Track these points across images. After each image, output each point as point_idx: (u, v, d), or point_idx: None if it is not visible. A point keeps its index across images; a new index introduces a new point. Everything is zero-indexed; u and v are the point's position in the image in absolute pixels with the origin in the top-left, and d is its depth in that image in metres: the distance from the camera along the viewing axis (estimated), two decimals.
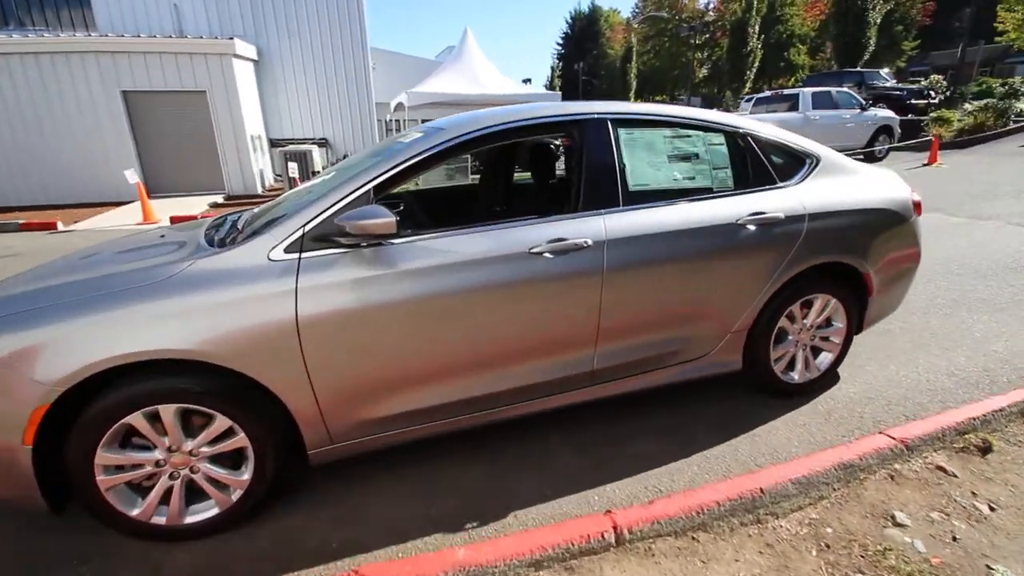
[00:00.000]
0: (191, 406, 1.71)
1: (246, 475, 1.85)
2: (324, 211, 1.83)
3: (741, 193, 2.38)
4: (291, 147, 11.55)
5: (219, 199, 11.37)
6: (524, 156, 3.54)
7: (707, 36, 41.81)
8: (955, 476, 2.08)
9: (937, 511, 1.91)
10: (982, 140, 13.75)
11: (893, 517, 1.88)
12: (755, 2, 34.17)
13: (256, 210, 2.49)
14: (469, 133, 2.05)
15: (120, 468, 1.75)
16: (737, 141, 2.43)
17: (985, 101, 15.47)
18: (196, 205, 10.46)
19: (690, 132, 2.36)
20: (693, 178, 2.33)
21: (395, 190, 2.20)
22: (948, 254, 4.99)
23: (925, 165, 10.91)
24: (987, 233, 5.69)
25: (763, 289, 2.38)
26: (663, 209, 2.22)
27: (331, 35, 13.82)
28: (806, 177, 2.53)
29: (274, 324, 1.71)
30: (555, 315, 2.07)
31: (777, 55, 38.06)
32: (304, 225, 1.81)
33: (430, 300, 1.88)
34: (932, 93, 17.26)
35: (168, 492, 1.81)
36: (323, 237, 1.81)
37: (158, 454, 1.76)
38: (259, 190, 12.19)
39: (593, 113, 2.21)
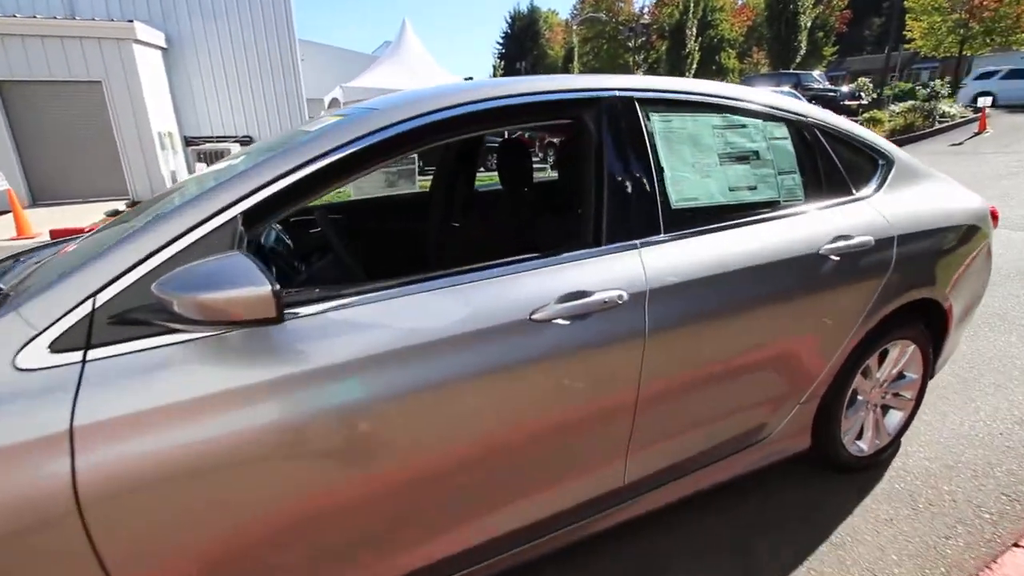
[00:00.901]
0: None
1: None
2: (131, 268, 0.93)
3: (815, 208, 1.67)
4: (207, 145, 10.17)
5: (120, 205, 9.82)
6: (485, 153, 2.68)
7: (643, 39, 42.40)
8: None
9: None
10: (913, 140, 14.20)
11: None
12: (691, 6, 34.82)
13: (73, 247, 1.50)
14: (428, 115, 1.21)
15: None
16: (803, 134, 1.72)
17: (911, 103, 16.15)
18: (91, 213, 8.90)
19: (745, 120, 1.62)
20: (754, 187, 1.59)
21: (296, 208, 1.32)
22: None
23: None
24: None
25: (844, 342, 1.70)
26: (720, 235, 1.47)
27: (252, 18, 12.28)
28: (882, 184, 1.87)
29: (22, 498, 0.82)
30: (569, 417, 1.28)
31: (710, 58, 39.13)
32: (94, 296, 0.90)
33: (355, 420, 1.04)
34: (862, 95, 17.99)
35: None
36: (133, 319, 0.91)
37: None
38: None
39: (613, 89, 1.43)
